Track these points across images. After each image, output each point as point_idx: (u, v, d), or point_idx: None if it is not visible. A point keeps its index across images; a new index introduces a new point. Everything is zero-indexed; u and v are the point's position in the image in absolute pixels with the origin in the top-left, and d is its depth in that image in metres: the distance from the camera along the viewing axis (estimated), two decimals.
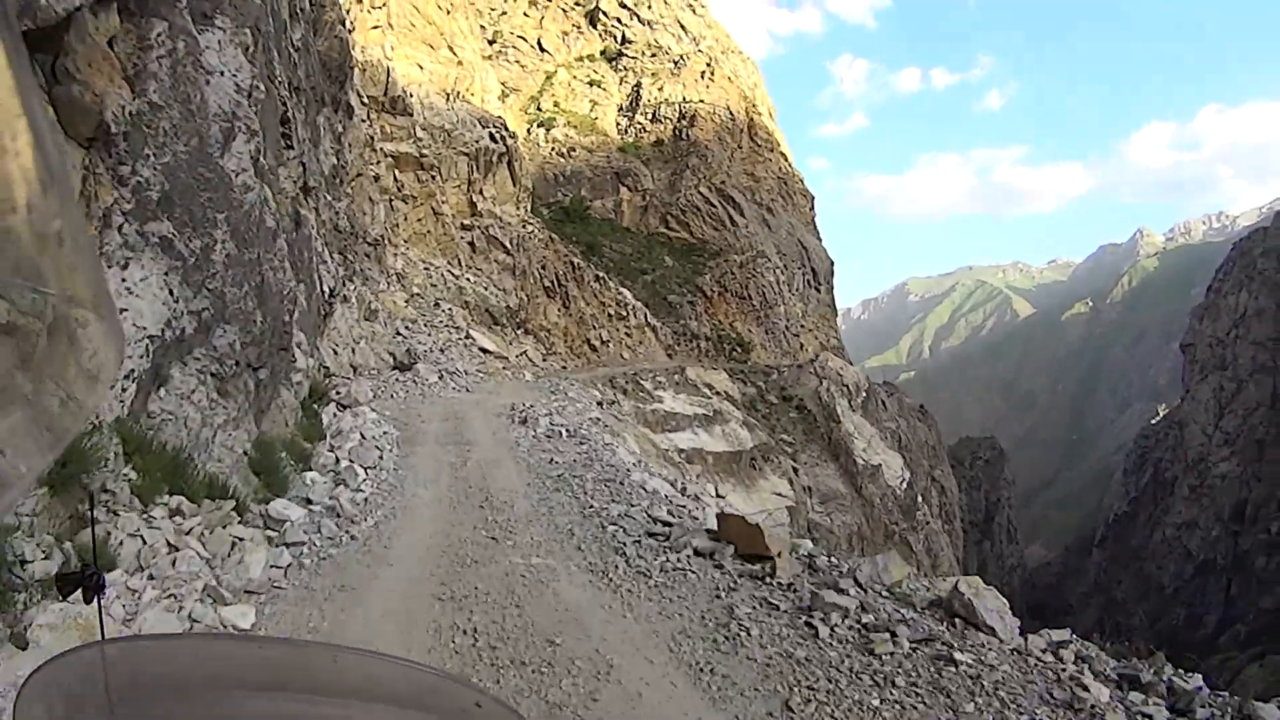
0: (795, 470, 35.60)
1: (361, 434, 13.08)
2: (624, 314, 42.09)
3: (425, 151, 35.63)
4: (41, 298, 0.88)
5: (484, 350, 28.53)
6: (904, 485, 40.04)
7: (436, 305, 30.28)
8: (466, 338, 28.71)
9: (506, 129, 41.44)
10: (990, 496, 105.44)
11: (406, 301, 28.46)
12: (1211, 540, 78.41)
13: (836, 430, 38.83)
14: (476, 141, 38.38)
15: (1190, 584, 78.84)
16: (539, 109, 63.58)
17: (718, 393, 35.59)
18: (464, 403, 19.38)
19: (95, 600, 1.30)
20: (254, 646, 1.40)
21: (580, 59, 69.18)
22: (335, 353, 18.11)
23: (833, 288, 68.16)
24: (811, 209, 70.94)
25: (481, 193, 38.42)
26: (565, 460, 13.63)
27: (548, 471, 12.78)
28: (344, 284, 20.38)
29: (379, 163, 33.00)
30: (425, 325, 27.72)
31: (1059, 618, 76.82)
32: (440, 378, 21.89)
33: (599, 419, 19.79)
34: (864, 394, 43.35)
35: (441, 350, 25.73)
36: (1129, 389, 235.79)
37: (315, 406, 13.52)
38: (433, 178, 35.82)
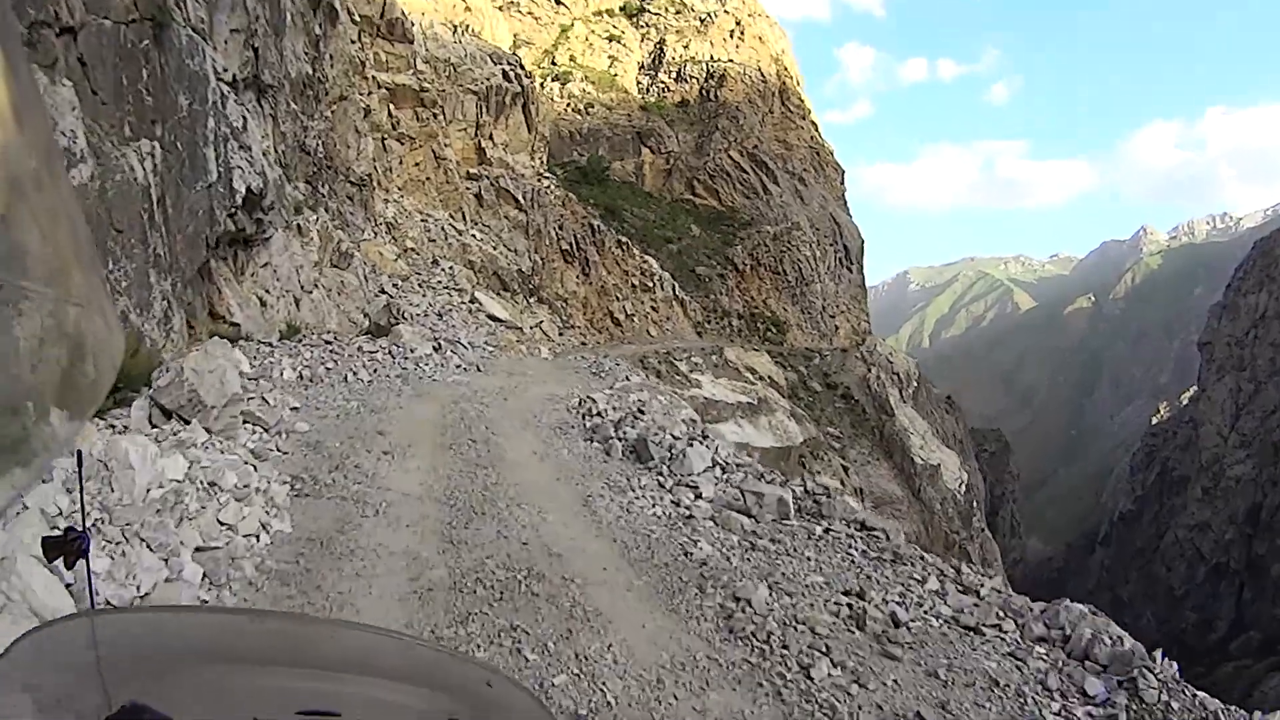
0: (845, 469, 30.63)
1: None
2: (649, 285, 36.87)
3: (427, 86, 30.26)
4: (37, 299, 0.82)
5: (493, 318, 23.34)
6: (962, 488, 35.00)
7: (435, 263, 25.06)
8: (472, 301, 23.49)
9: (522, 67, 36.04)
10: (995, 490, 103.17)
11: (398, 256, 23.23)
12: (1225, 543, 76.44)
13: (889, 424, 33.84)
14: (487, 79, 33.03)
15: (1201, 587, 77.12)
16: (553, 63, 58.04)
17: (761, 377, 30.57)
18: (480, 395, 11.85)
19: (81, 564, 1.23)
20: (246, 620, 1.25)
21: (599, 13, 63.48)
22: (261, 302, 12.28)
23: (863, 267, 62.99)
24: (842, 183, 65.58)
25: (491, 138, 33.10)
26: None
27: None
28: (295, 210, 14.62)
29: (370, 94, 27.75)
30: (420, 285, 22.49)
31: None
32: (437, 349, 15.67)
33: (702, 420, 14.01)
34: (914, 384, 38.28)
35: (439, 315, 20.43)
36: (1130, 385, 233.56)
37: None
38: (434, 116, 30.48)
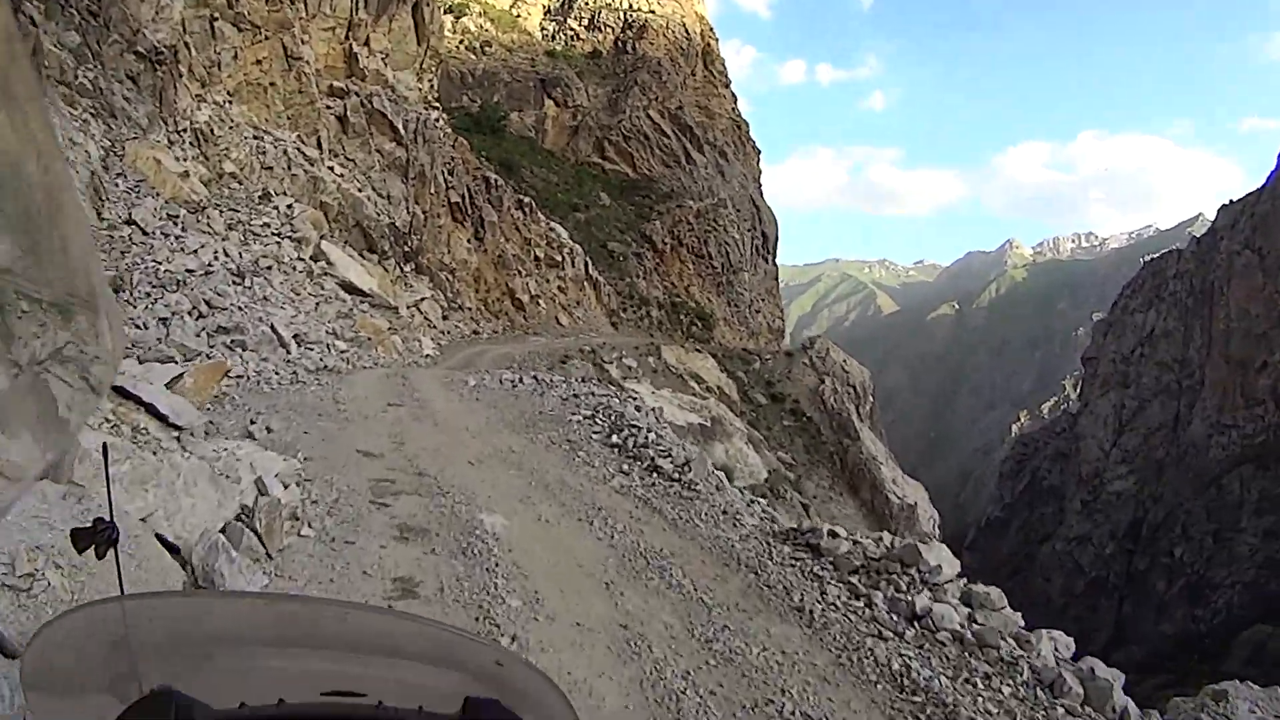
0: (805, 508, 23.93)
1: None
2: (557, 259, 29.10)
3: None
4: (38, 299, 0.84)
5: (350, 289, 15.26)
6: (935, 528, 28.83)
7: (266, 197, 16.64)
8: (314, 259, 15.27)
9: None
10: None
11: (203, 178, 14.75)
12: (1105, 557, 77.38)
13: (853, 450, 27.33)
14: None
15: (1081, 600, 77.15)
16: None
17: (710, 389, 23.44)
18: None
19: (111, 555, 1.25)
20: (262, 604, 1.32)
21: None
22: None
23: (776, 258, 56.93)
24: (758, 164, 59.27)
25: (367, 44, 24.58)
26: None
27: None
28: None
29: None
30: (229, 226, 14.08)
31: None
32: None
33: None
34: (870, 399, 31.93)
35: (240, 274, 12.01)
36: (991, 393, 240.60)
37: None
38: (291, 1, 21.91)
